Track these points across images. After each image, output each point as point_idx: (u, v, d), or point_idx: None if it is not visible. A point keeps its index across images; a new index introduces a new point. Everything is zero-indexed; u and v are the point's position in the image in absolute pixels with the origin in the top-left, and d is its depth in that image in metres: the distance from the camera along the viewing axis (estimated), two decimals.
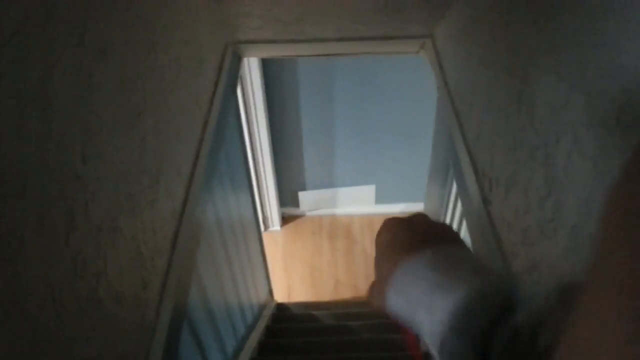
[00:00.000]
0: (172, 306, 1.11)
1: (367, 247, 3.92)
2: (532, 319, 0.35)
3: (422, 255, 0.43)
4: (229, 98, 1.97)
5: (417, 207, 4.16)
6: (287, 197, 4.19)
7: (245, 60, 2.83)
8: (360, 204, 4.23)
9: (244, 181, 2.42)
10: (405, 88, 3.50)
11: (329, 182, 4.13)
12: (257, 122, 3.43)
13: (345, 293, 3.58)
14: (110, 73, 0.85)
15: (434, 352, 0.41)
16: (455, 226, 1.78)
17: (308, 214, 4.33)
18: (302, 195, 4.17)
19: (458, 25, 1.56)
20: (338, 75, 3.46)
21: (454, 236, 0.50)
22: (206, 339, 1.54)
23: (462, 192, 1.55)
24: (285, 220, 4.26)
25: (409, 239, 0.47)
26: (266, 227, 4.12)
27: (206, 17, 1.62)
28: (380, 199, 4.19)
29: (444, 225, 0.52)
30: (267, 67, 3.30)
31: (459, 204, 1.70)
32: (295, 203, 4.24)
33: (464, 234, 1.64)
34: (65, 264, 0.68)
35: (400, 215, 0.54)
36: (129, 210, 0.92)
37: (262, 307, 2.83)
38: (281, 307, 3.27)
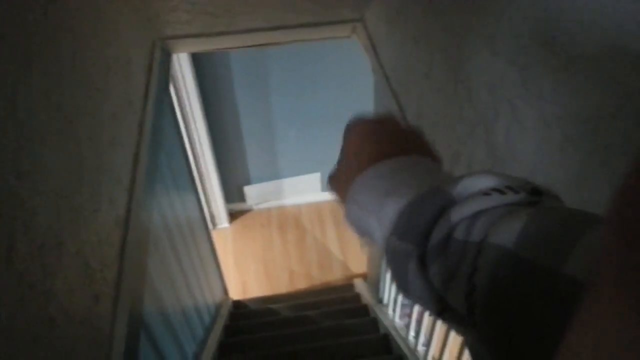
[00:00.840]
0: (127, 318, 1.08)
1: (318, 235, 3.94)
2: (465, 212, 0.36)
3: (382, 166, 0.45)
4: (162, 97, 1.90)
5: None
6: (233, 192, 4.13)
7: (175, 56, 2.75)
8: (306, 192, 4.24)
9: (187, 181, 2.37)
10: (342, 73, 3.52)
11: (274, 174, 4.10)
12: (193, 119, 3.35)
13: (301, 283, 3.59)
14: (34, 83, 0.80)
15: (384, 256, 0.43)
16: None
17: (255, 207, 4.29)
18: (247, 189, 4.13)
19: (389, 7, 1.57)
20: (273, 65, 3.43)
21: (420, 143, 0.50)
22: (165, 346, 1.51)
23: None
24: (233, 216, 4.21)
25: (375, 152, 0.47)
26: (214, 225, 4.05)
27: (131, 16, 1.56)
28: (326, 185, 4.20)
29: (412, 131, 0.52)
30: (199, 63, 3.22)
31: None
32: (242, 198, 4.19)
33: None
34: (10, 288, 0.64)
35: (371, 118, 0.54)
36: (72, 223, 0.88)
37: (218, 307, 2.79)
38: (238, 305, 3.24)
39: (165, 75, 2.05)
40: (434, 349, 1.70)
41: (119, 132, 1.27)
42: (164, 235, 1.68)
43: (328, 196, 4.22)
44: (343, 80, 3.55)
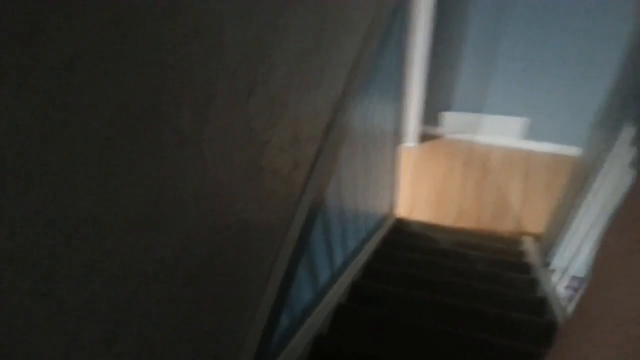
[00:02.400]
0: (314, 190, 1.19)
1: (501, 181, 3.75)
2: None
3: None
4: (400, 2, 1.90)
5: (567, 150, 3.84)
6: (431, 114, 4.06)
7: None
8: (505, 135, 3.99)
9: (396, 90, 2.38)
10: (588, 18, 3.10)
11: (478, 106, 3.90)
12: (421, 30, 3.27)
13: (467, 223, 3.51)
14: None
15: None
16: (615, 175, 1.63)
17: (447, 135, 4.20)
18: (446, 115, 4.03)
19: None
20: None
21: None
22: (334, 231, 1.64)
23: None
24: (423, 137, 4.18)
25: None
26: (402, 142, 4.09)
27: None
28: (528, 134, 3.91)
29: None
30: None
31: (629, 153, 1.54)
32: (437, 122, 4.12)
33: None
34: (242, 126, 0.75)
35: None
36: (298, 88, 0.96)
37: (384, 217, 2.91)
38: (401, 222, 3.33)
39: None
40: None
41: (356, 16, 1.30)
42: (360, 133, 1.76)
43: (526, 146, 3.95)
44: (588, 27, 3.14)
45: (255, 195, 0.86)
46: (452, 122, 4.07)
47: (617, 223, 0.33)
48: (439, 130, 4.18)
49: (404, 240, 2.85)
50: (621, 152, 1.61)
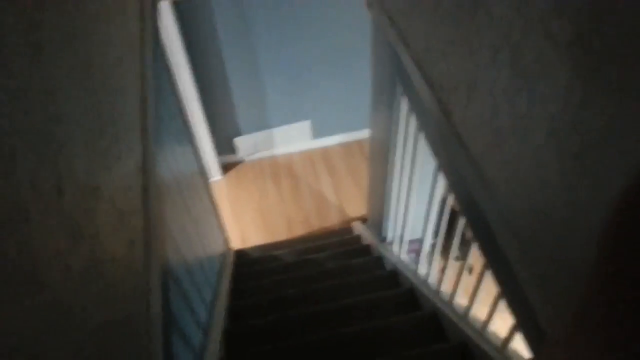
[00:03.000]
0: (157, 261, 1.09)
1: (312, 182, 3.96)
2: None
3: None
4: (156, 45, 1.85)
5: (354, 136, 4.23)
6: (223, 144, 4.10)
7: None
8: (297, 141, 4.23)
9: (184, 132, 2.34)
10: (329, 15, 3.44)
11: (264, 124, 4.07)
12: (179, 72, 3.28)
13: (299, 230, 3.64)
14: (54, 31, 0.77)
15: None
16: (410, 142, 1.83)
17: (247, 159, 4.28)
18: (238, 141, 4.10)
19: None
20: (256, 13, 3.34)
21: None
22: (188, 289, 1.54)
23: (417, 109, 1.59)
24: (225, 168, 4.20)
25: None
26: (208, 178, 4.04)
27: None
28: (316, 133, 4.20)
29: None
30: (182, 15, 3.13)
31: (412, 121, 1.74)
32: (233, 150, 4.17)
33: (423, 146, 1.70)
34: (64, 229, 0.65)
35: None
36: (103, 168, 0.87)
37: (223, 256, 2.83)
38: (240, 253, 3.28)
39: (156, 24, 1.99)
40: (447, 282, 1.76)
41: (126, 79, 1.24)
42: (174, 185, 1.68)
43: (318, 143, 4.23)
44: (331, 23, 3.48)
45: (103, 293, 0.75)
46: (246, 145, 4.15)
47: (586, 324, 0.32)
48: (237, 157, 4.23)
49: (251, 270, 2.82)
50: (405, 121, 1.81)
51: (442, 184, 1.57)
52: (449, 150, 1.30)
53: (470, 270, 2.45)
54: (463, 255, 1.57)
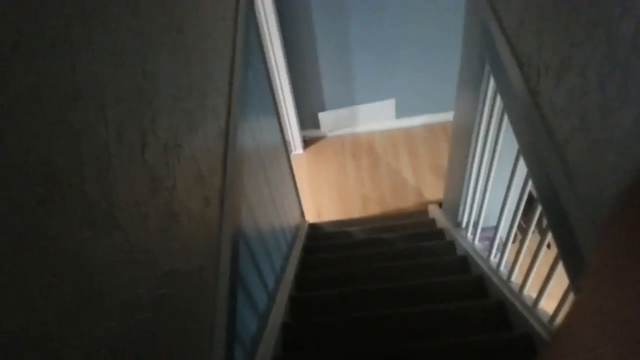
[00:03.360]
0: (231, 221, 1.14)
1: (391, 162, 3.93)
2: None
3: None
4: (249, 15, 1.91)
5: (438, 118, 4.12)
6: (307, 119, 4.16)
7: None
8: (380, 119, 4.19)
9: (270, 103, 2.39)
10: None
11: (349, 100, 4.07)
12: (271, 43, 3.35)
13: (374, 209, 3.63)
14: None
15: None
16: (494, 123, 1.76)
17: (329, 134, 4.32)
18: (322, 116, 4.14)
19: None
20: None
21: None
22: (259, 255, 1.60)
23: (503, 88, 1.52)
24: (307, 142, 4.26)
25: None
26: (290, 151, 4.13)
27: None
28: (400, 112, 4.14)
29: None
30: None
31: (498, 102, 1.67)
32: (316, 124, 4.22)
33: (506, 131, 1.63)
34: (145, 179, 0.70)
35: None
36: (186, 127, 0.92)
37: (297, 227, 2.90)
38: (314, 226, 3.35)
39: None
40: (517, 271, 1.70)
41: (218, 45, 1.29)
42: (254, 153, 1.74)
43: (402, 123, 4.17)
44: (425, 4, 3.40)
45: (177, 245, 0.80)
46: (329, 120, 4.18)
47: (612, 229, 0.31)
48: (320, 132, 4.27)
49: (323, 243, 2.87)
50: (491, 102, 1.74)
51: (521, 171, 1.50)
52: (532, 132, 1.24)
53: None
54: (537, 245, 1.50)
